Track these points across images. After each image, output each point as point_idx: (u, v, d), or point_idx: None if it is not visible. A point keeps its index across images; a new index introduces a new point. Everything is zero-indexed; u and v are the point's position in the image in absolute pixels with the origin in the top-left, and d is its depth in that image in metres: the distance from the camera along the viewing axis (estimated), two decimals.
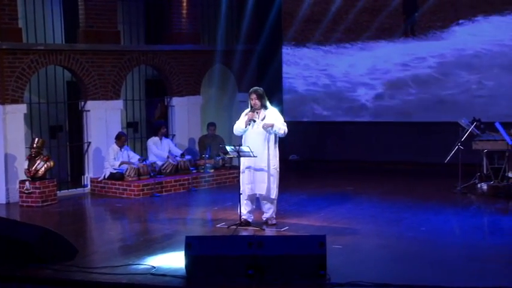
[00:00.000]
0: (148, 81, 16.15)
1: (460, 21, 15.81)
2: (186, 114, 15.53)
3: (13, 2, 12.80)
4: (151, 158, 14.07)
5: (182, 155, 14.27)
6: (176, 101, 15.41)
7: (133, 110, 15.28)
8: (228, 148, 10.27)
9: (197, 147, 15.47)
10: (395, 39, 16.31)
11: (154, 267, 8.21)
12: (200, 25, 15.93)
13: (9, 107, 12.83)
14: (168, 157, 14.13)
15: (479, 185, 13.01)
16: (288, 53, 16.93)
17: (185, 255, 7.77)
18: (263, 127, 10.09)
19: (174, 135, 15.27)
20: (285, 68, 16.94)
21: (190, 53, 15.53)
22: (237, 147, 10.07)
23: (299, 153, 16.80)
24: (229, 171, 14.65)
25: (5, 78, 12.73)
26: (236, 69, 16.37)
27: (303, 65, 16.90)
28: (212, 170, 14.45)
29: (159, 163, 14.02)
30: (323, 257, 7.60)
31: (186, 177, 13.91)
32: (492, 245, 9.21)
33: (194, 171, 14.18)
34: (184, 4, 15.35)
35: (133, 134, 15.53)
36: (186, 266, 7.79)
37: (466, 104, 15.31)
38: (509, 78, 15.09)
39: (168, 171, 14.00)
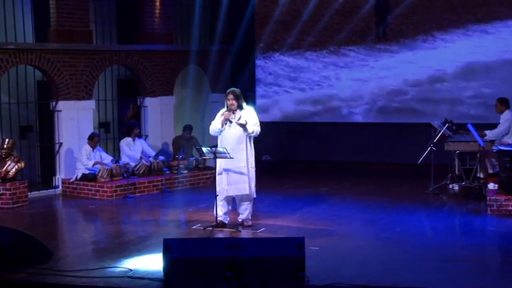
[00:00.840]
0: (120, 81, 16.02)
1: (433, 24, 15.91)
2: (159, 114, 15.44)
3: None
4: (124, 159, 13.95)
5: (156, 157, 14.17)
6: (149, 101, 15.31)
7: (105, 110, 15.12)
8: (204, 149, 10.20)
9: (170, 148, 15.37)
10: (367, 43, 16.38)
11: (132, 270, 8.12)
12: (173, 25, 15.84)
13: None
14: (141, 158, 14.02)
15: (450, 186, 13.11)
16: (261, 53, 16.96)
17: (163, 257, 7.69)
18: (237, 123, 10.06)
19: (147, 136, 15.16)
20: (258, 70, 16.93)
21: (163, 53, 15.45)
22: (213, 149, 10.02)
23: (272, 153, 16.81)
24: (203, 172, 14.59)
25: None
26: (210, 69, 16.34)
27: (275, 67, 16.91)
28: (186, 171, 14.38)
29: (132, 164, 13.89)
30: (302, 259, 7.56)
31: (160, 178, 13.80)
32: (466, 245, 9.23)
33: (167, 172, 14.07)
34: (157, 4, 15.26)
35: (105, 135, 15.36)
36: (164, 268, 7.71)
37: (435, 105, 15.52)
38: (477, 80, 15.32)
39: (141, 172, 13.88)
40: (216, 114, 16.35)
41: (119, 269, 8.20)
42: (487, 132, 12.83)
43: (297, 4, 16.71)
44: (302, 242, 7.65)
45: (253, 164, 10.29)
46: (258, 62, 16.97)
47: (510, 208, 10.87)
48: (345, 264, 8.28)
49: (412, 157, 14.04)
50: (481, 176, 12.99)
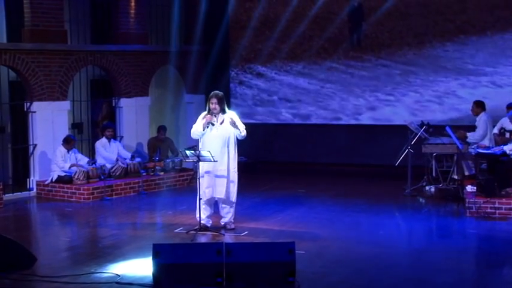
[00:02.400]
0: (93, 81, 15.87)
1: (409, 31, 15.83)
2: (134, 115, 15.34)
3: None
4: (100, 161, 13.83)
5: (132, 157, 14.09)
6: (124, 102, 15.20)
7: (79, 111, 14.98)
8: (188, 152, 10.15)
9: (145, 150, 15.29)
10: (342, 52, 16.29)
11: (119, 276, 8.07)
12: (148, 25, 15.74)
13: None
14: (117, 160, 13.93)
15: (427, 188, 13.26)
16: (236, 58, 16.89)
17: (153, 263, 7.67)
18: (230, 123, 10.03)
19: (121, 137, 15.06)
20: (233, 72, 16.92)
21: (138, 53, 15.35)
22: (197, 152, 9.99)
23: (246, 155, 16.78)
24: (180, 174, 14.58)
25: None
26: (185, 70, 16.26)
27: (249, 71, 16.86)
28: (162, 173, 14.33)
29: (108, 166, 13.80)
30: (292, 264, 7.61)
31: (136, 181, 13.73)
32: (449, 248, 9.34)
33: (144, 174, 14.02)
34: (132, 4, 15.15)
35: (78, 135, 15.22)
36: (154, 274, 7.69)
37: (411, 107, 15.61)
38: (447, 83, 15.48)
39: (117, 174, 13.80)
40: (190, 115, 16.61)
41: (105, 275, 8.16)
42: (468, 134, 12.99)
43: (270, 12, 16.61)
44: (292, 247, 7.69)
45: (236, 169, 10.28)
46: (232, 64, 16.92)
47: (489, 210, 11.03)
48: (333, 268, 8.29)
49: (386, 158, 14.26)
50: (457, 177, 13.19)
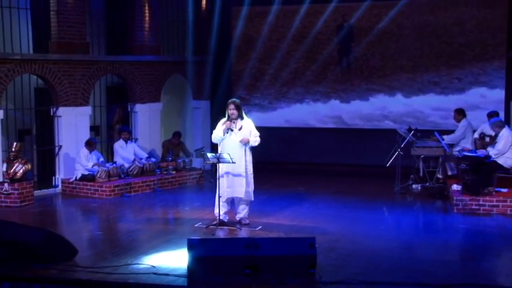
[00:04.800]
0: (109, 88, 15.85)
1: (403, 54, 15.28)
2: (147, 119, 15.31)
3: None
4: (119, 161, 13.83)
5: (147, 158, 14.12)
6: (139, 107, 15.17)
7: (96, 115, 14.93)
8: (209, 155, 10.17)
9: (157, 151, 15.28)
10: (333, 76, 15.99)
11: (155, 267, 8.08)
12: (160, 38, 15.71)
13: None
14: (134, 160, 13.92)
15: (414, 186, 13.39)
16: (236, 67, 16.89)
17: (188, 255, 7.68)
18: (240, 141, 10.06)
19: (136, 139, 15.03)
20: (234, 78, 16.91)
21: (151, 63, 15.32)
22: (218, 154, 10.02)
23: None
24: (190, 173, 14.60)
25: None
26: (192, 78, 16.27)
27: (250, 80, 16.81)
28: (174, 172, 14.33)
29: (126, 165, 13.79)
30: (314, 257, 7.67)
31: (152, 179, 13.72)
32: (445, 241, 9.49)
33: (159, 172, 14.02)
34: (147, 19, 15.12)
35: (96, 137, 15.15)
36: (189, 266, 7.71)
37: (398, 114, 15.63)
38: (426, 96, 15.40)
39: (134, 172, 13.79)
40: (196, 119, 16.62)
41: (142, 266, 8.15)
42: (445, 137, 13.16)
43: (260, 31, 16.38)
44: (313, 242, 7.75)
45: (252, 171, 10.31)
46: (233, 72, 16.85)
47: (474, 207, 11.17)
48: (347, 261, 8.31)
49: (375, 159, 14.35)
50: (440, 176, 13.34)
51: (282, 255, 7.67)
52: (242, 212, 10.42)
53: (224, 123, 10.21)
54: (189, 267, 7.71)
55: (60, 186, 13.59)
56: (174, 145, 14.87)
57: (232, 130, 10.15)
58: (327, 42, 15.98)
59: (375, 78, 15.72)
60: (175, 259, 8.35)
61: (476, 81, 15.01)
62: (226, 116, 10.25)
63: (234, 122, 10.18)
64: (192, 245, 7.73)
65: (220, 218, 10.24)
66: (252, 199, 10.36)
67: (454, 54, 15.12)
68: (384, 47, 15.65)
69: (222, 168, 10.13)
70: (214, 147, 11.61)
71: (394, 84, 15.56)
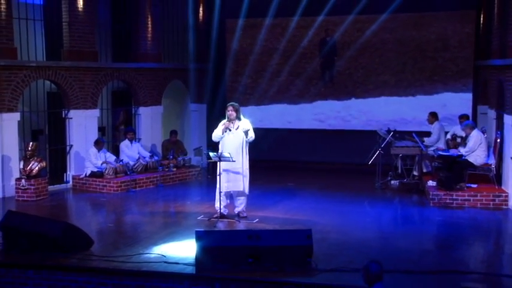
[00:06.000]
0: (114, 92, 15.80)
1: (386, 69, 14.91)
2: (149, 121, 15.26)
3: (9, 25, 12.26)
4: (124, 159, 13.79)
5: (151, 156, 14.10)
6: (142, 110, 15.12)
7: (103, 117, 14.87)
8: (211, 154, 10.19)
9: (159, 150, 15.25)
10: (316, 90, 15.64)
11: (165, 256, 8.09)
12: (162, 47, 15.67)
13: (6, 115, 12.30)
14: (138, 158, 13.90)
15: (392, 182, 13.47)
16: (231, 73, 16.88)
17: (196, 245, 7.69)
18: (243, 131, 10.08)
19: (140, 139, 14.99)
20: (229, 84, 16.90)
21: (153, 70, 15.27)
22: (219, 153, 10.04)
23: None
24: (189, 170, 14.58)
25: (2, 90, 12.20)
26: (190, 84, 16.25)
27: (244, 84, 16.76)
28: (175, 169, 14.31)
29: (131, 163, 13.76)
30: (310, 247, 7.72)
31: (155, 175, 13.70)
32: (425, 231, 9.63)
33: (161, 169, 14.00)
34: (149, 29, 15.09)
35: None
36: (196, 255, 7.72)
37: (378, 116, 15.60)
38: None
39: (139, 170, 13.77)
40: (194, 121, 16.60)
41: (153, 255, 8.16)
42: (425, 139, 13.27)
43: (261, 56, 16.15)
44: (310, 233, 7.79)
45: (248, 167, 10.34)
46: (227, 74, 16.69)
47: (448, 201, 11.29)
48: (339, 251, 8.36)
49: (356, 157, 14.37)
50: (416, 174, 13.44)
51: (281, 246, 7.70)
52: (240, 206, 10.45)
53: (223, 124, 10.24)
54: (196, 257, 7.73)
55: (71, 182, 13.53)
56: (172, 143, 14.85)
57: (230, 130, 10.19)
58: (310, 56, 15.66)
59: (358, 93, 15.38)
60: (183, 249, 8.38)
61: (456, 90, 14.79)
62: (226, 117, 10.28)
63: (232, 123, 10.22)
64: (199, 236, 7.75)
65: (221, 211, 10.26)
66: (247, 193, 10.34)
67: (437, 69, 14.87)
68: (367, 61, 15.32)
69: (221, 165, 10.14)
70: (212, 146, 11.60)
71: (377, 98, 15.24)
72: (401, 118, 15.11)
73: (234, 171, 10.16)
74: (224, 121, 10.31)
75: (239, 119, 10.28)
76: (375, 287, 5.69)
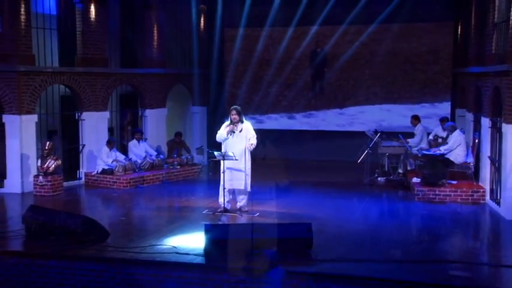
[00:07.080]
0: (121, 95, 15.74)
1: (376, 81, 14.60)
2: (155, 122, 15.23)
3: (28, 33, 12.22)
4: (132, 157, 13.78)
5: (157, 155, 14.11)
6: (148, 112, 15.09)
7: (115, 119, 14.86)
8: (216, 153, 10.20)
9: (164, 149, 15.23)
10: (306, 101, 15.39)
11: (176, 247, 8.09)
12: (166, 54, 15.65)
13: (25, 117, 12.26)
14: (145, 156, 13.89)
15: (379, 179, 13.50)
16: (230, 76, 16.86)
17: (205, 238, 7.72)
18: (248, 148, 10.08)
19: (146, 139, 14.95)
20: (228, 87, 16.86)
21: (159, 75, 15.24)
22: (223, 152, 10.05)
23: None
24: (192, 168, 14.57)
25: (21, 94, 12.15)
26: (192, 88, 16.24)
27: (243, 83, 16.70)
28: (179, 167, 14.30)
29: (139, 161, 13.75)
30: (310, 239, 7.76)
31: (161, 173, 13.68)
32: (410, 224, 9.69)
33: (166, 167, 13.99)
34: (155, 38, 15.08)
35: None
36: (205, 246, 7.74)
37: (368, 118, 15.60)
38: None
39: (146, 167, 13.75)
40: (195, 123, 16.58)
41: (164, 246, 8.15)
42: (409, 140, 13.33)
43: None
44: (310, 227, 7.83)
45: (250, 166, 10.34)
46: (227, 79, 16.62)
47: (431, 196, 11.36)
48: (336, 242, 8.38)
49: (345, 156, 14.37)
50: (401, 171, 13.50)
51: (284, 238, 7.72)
52: (242, 201, 10.45)
53: (227, 126, 10.24)
54: (205, 248, 7.75)
55: (83, 179, 13.49)
56: (176, 143, 14.84)
57: (234, 132, 10.18)
58: (300, 67, 15.45)
59: (348, 104, 15.21)
60: (192, 241, 8.37)
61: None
62: (229, 119, 10.28)
63: (235, 125, 10.21)
64: (208, 229, 7.79)
65: (225, 206, 10.26)
66: (249, 189, 10.36)
67: (427, 81, 14.76)
68: (357, 72, 15.12)
69: (224, 163, 10.15)
70: (213, 146, 11.59)
71: (367, 109, 15.07)
72: (388, 125, 15.08)
73: (237, 170, 10.17)
74: (227, 123, 10.29)
75: (242, 121, 10.28)
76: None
